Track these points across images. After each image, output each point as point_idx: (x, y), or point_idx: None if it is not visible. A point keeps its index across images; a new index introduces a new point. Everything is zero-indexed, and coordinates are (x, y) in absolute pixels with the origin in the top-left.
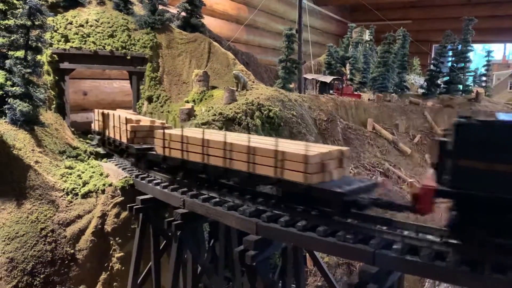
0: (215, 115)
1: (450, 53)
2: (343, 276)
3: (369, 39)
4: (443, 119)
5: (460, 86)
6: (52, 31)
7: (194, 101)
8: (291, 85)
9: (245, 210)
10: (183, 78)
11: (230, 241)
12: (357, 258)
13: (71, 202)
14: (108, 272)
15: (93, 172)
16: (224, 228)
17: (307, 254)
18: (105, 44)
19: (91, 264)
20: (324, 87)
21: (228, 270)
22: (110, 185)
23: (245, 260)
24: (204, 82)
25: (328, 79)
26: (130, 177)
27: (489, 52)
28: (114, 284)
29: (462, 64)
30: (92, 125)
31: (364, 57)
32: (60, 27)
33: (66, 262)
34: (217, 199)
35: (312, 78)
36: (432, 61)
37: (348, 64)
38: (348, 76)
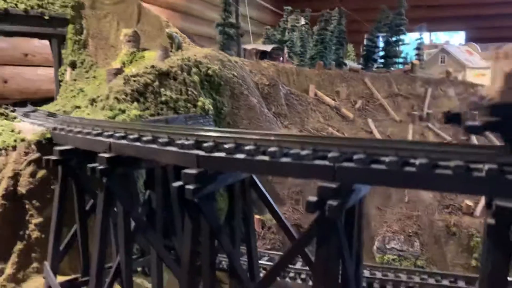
0: (147, 67)
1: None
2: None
3: (304, 23)
4: (383, 85)
5: (398, 60)
6: None
7: (123, 63)
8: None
9: (183, 143)
10: (111, 41)
11: (169, 191)
12: (315, 175)
13: None
14: (25, 242)
15: (2, 130)
16: (161, 174)
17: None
18: (18, 1)
19: (2, 232)
20: (264, 57)
21: (169, 239)
22: (23, 140)
23: (186, 195)
24: (134, 43)
25: (268, 48)
26: (47, 130)
27: (420, 33)
28: (33, 255)
29: (397, 37)
30: None
31: (301, 41)
32: None
33: None
34: (150, 137)
35: (252, 48)
36: (367, 36)
37: (285, 48)
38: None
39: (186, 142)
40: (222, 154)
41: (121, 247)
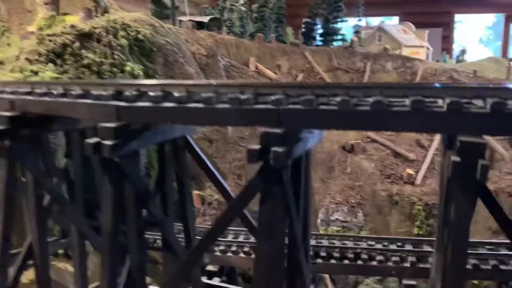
0: (65, 27)
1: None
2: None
3: (243, 2)
4: (323, 59)
5: (337, 37)
6: None
7: (41, 28)
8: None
9: (100, 94)
10: (27, 5)
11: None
12: (257, 121)
13: None
14: None
15: None
16: (79, 138)
17: (194, 193)
18: None
19: None
20: (201, 28)
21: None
22: None
23: (103, 153)
24: (52, 5)
25: (205, 19)
26: None
27: (358, 18)
28: None
29: (335, 14)
30: None
31: (240, 21)
32: None
33: None
34: (61, 91)
35: (189, 20)
36: (307, 14)
37: (224, 28)
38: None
39: (104, 93)
40: (147, 104)
41: (33, 224)
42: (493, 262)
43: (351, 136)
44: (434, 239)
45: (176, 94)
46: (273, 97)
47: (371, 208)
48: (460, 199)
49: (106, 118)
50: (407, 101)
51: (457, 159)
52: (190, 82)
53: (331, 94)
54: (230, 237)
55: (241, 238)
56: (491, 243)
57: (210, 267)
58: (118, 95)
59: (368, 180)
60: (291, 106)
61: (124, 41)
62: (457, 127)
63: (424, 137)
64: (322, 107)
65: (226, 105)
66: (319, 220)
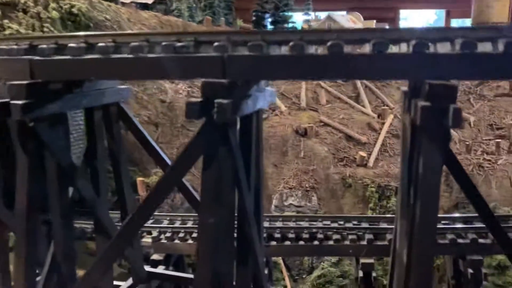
0: None
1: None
2: None
3: None
4: None
5: (287, 25)
6: None
7: None
8: None
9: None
10: None
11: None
12: (198, 71)
13: None
14: None
15: None
16: None
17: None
18: None
19: None
20: (145, 9)
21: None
22: None
23: (12, 115)
24: None
25: (150, 0)
26: None
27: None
28: None
29: (286, 1)
30: None
31: (188, 10)
32: None
33: None
34: None
35: (131, 2)
36: (256, 3)
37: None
38: None
39: (16, 47)
40: (68, 57)
41: None
42: (450, 236)
43: (304, 120)
44: (391, 215)
45: (101, 44)
46: (216, 44)
47: (325, 192)
48: (429, 149)
49: (19, 76)
50: (369, 46)
51: (426, 103)
52: (118, 32)
53: (283, 41)
54: (177, 223)
55: (189, 224)
56: (447, 218)
57: (155, 256)
58: (32, 49)
59: (322, 163)
60: (237, 53)
61: (55, 14)
62: (424, 71)
63: (376, 120)
64: (274, 53)
65: (161, 54)
66: (273, 206)
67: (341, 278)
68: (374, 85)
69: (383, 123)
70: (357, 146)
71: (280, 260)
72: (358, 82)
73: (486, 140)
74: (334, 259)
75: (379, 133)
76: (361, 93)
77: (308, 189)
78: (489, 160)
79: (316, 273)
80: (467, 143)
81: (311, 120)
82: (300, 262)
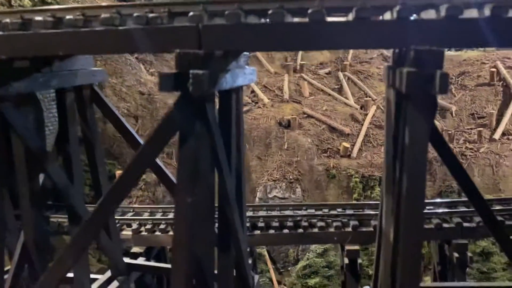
0: None
1: None
2: None
3: None
4: None
5: None
6: None
7: None
8: None
9: None
10: None
11: None
12: (172, 42)
13: None
14: None
15: None
16: None
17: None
18: None
19: None
20: None
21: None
22: None
23: None
24: None
25: None
26: None
27: None
28: None
29: None
30: None
31: None
32: None
33: None
34: None
35: None
36: None
37: None
38: None
39: None
40: (28, 32)
41: None
42: (435, 221)
43: (287, 112)
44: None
45: (69, 17)
46: (191, 13)
47: (309, 183)
48: (415, 117)
49: None
50: (352, 14)
51: (412, 69)
52: (88, 5)
53: (262, 10)
54: (158, 215)
55: (171, 215)
56: (432, 203)
57: (135, 249)
58: None
59: (305, 155)
60: (214, 22)
61: None
62: (410, 38)
63: (359, 111)
64: (252, 21)
65: (133, 27)
66: (257, 199)
67: (326, 268)
68: (356, 77)
69: (366, 114)
70: (340, 137)
71: (265, 252)
72: (341, 74)
73: (468, 129)
74: (319, 249)
75: (362, 124)
76: (344, 85)
77: (292, 180)
78: (471, 149)
79: (301, 263)
80: (449, 132)
81: (294, 112)
82: (285, 254)
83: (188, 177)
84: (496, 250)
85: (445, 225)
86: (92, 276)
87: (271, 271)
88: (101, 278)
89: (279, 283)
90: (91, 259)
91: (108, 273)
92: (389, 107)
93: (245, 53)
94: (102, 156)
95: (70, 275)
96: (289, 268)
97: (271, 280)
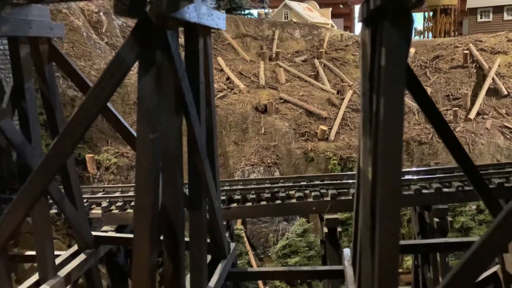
0: None
1: None
2: None
3: None
4: (230, 26)
5: (243, 12)
6: None
7: None
8: None
9: None
10: None
11: None
12: None
13: None
14: None
15: None
16: None
17: None
18: None
19: None
20: None
21: None
22: None
23: None
24: None
25: None
26: None
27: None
28: None
29: None
30: None
31: None
32: None
33: None
34: None
35: None
36: None
37: None
38: None
39: None
40: None
41: None
42: (415, 187)
43: (264, 98)
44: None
45: None
46: None
47: (287, 167)
48: (391, 35)
49: None
50: None
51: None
52: None
53: None
54: (131, 192)
55: None
56: (408, 172)
57: (105, 228)
58: None
59: (283, 139)
60: None
61: None
62: None
63: (335, 96)
64: None
65: None
66: None
67: (307, 248)
68: (332, 63)
69: (343, 99)
70: (318, 121)
71: (243, 234)
72: (317, 62)
73: (444, 110)
74: (299, 230)
75: (339, 108)
76: (320, 71)
77: (270, 165)
78: None
79: (281, 243)
80: None
81: (270, 97)
82: (265, 239)
83: (148, 111)
84: (475, 225)
85: (425, 191)
86: (57, 252)
87: (251, 257)
88: (66, 252)
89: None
90: (61, 244)
91: (75, 247)
92: (364, 48)
93: None
94: (63, 118)
95: (33, 252)
96: (269, 254)
97: (251, 265)
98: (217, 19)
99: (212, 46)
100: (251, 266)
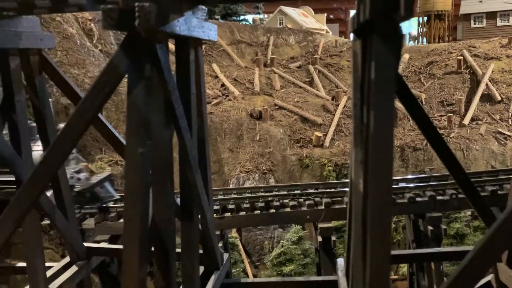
0: None
1: None
2: None
3: None
4: (225, 33)
5: (238, 18)
6: None
7: None
8: None
9: None
10: None
11: None
12: None
13: None
14: None
15: None
16: None
17: None
18: None
19: None
20: None
21: None
22: None
23: None
24: None
25: None
26: None
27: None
28: None
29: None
30: None
31: None
32: None
33: None
34: None
35: None
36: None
37: None
38: None
39: None
40: None
41: None
42: (408, 195)
43: (259, 104)
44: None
45: None
46: None
47: (282, 174)
48: (380, 48)
49: None
50: None
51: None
52: None
53: None
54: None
55: None
56: (404, 180)
57: (98, 237)
58: None
59: (278, 146)
60: None
61: None
62: None
63: (330, 102)
64: None
65: None
66: None
67: (302, 256)
68: (327, 70)
69: (338, 105)
70: (312, 127)
71: (238, 242)
72: (311, 68)
73: (438, 116)
74: (294, 237)
75: (334, 114)
76: (314, 77)
77: (265, 171)
78: (442, 135)
79: (276, 251)
80: None
81: (265, 104)
82: (260, 247)
83: (137, 124)
84: (470, 231)
85: (419, 199)
86: (48, 264)
87: (246, 264)
88: (58, 264)
89: (254, 277)
90: (54, 254)
91: (67, 259)
92: (355, 59)
93: (201, 7)
94: (55, 129)
95: (25, 264)
96: (265, 262)
97: (246, 273)
98: (209, 31)
99: (204, 54)
100: (247, 274)
